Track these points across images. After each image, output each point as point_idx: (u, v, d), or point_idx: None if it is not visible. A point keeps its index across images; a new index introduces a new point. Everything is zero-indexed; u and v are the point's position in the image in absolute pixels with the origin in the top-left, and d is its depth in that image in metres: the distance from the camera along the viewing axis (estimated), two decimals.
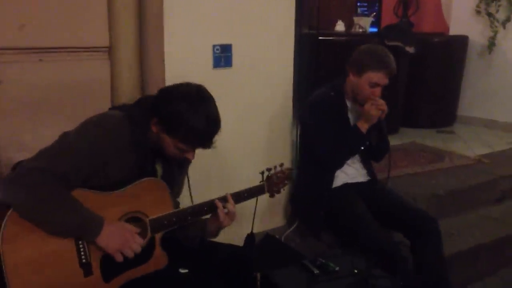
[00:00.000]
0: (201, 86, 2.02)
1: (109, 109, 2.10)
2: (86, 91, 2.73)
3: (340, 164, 2.98)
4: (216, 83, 2.86)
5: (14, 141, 2.55)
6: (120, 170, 1.93)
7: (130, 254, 1.89)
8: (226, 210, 2.11)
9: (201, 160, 2.86)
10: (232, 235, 2.68)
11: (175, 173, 2.20)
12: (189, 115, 1.91)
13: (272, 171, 2.29)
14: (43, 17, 2.58)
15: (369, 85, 2.80)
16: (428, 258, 2.77)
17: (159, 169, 2.13)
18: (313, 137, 2.99)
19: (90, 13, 2.71)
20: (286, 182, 2.35)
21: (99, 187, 1.89)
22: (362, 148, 2.96)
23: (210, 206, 2.11)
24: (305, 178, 3.15)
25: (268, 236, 3.07)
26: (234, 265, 2.21)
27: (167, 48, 2.67)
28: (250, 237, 2.53)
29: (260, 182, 2.28)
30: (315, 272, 2.40)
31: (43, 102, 2.63)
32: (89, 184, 1.88)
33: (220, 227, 2.17)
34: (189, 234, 2.18)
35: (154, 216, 1.99)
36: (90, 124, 1.94)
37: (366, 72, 2.80)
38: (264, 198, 3.13)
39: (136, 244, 1.90)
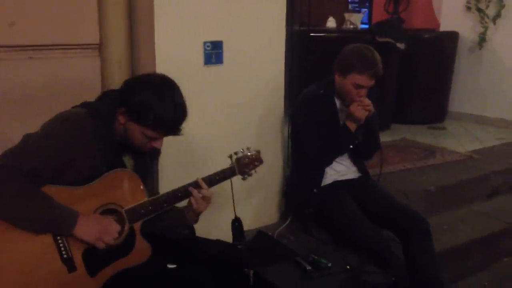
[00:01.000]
0: (164, 75, 2.07)
1: (72, 107, 2.10)
2: (76, 88, 2.71)
3: (328, 162, 2.98)
4: (207, 80, 2.87)
5: (2, 138, 2.52)
6: (88, 164, 1.95)
7: (110, 240, 1.90)
8: (200, 195, 2.13)
9: (188, 156, 2.88)
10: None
11: (148, 165, 2.22)
12: (157, 102, 1.95)
13: (240, 154, 2.31)
14: (32, 15, 2.57)
15: (354, 86, 2.80)
16: (419, 258, 2.78)
17: (129, 162, 2.15)
18: (302, 134, 3.00)
19: (80, 10, 2.69)
20: (256, 163, 2.35)
21: (71, 183, 1.91)
22: (351, 146, 2.96)
23: (184, 192, 2.12)
24: (296, 175, 3.16)
25: (260, 233, 3.08)
26: (226, 261, 2.22)
27: (157, 45, 2.66)
28: (236, 221, 2.54)
29: (230, 164, 2.29)
30: (307, 268, 2.41)
31: (32, 100, 2.62)
32: (61, 179, 1.89)
33: (197, 213, 2.18)
34: (169, 224, 2.20)
35: (130, 206, 2.00)
36: (53, 122, 1.96)
37: (351, 74, 2.79)
38: (255, 194, 3.16)
39: (114, 230, 1.92)
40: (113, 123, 2.03)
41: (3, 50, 2.53)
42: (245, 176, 2.33)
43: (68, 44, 2.69)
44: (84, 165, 1.94)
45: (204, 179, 2.17)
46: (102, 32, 2.77)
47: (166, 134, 2.06)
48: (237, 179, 2.32)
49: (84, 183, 1.93)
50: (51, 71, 2.66)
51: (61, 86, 2.68)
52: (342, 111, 2.99)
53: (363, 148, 3.02)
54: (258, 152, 2.37)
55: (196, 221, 2.25)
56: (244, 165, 2.30)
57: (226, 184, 2.32)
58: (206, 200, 2.15)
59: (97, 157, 1.97)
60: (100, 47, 2.80)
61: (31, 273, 1.80)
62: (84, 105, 2.07)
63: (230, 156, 2.30)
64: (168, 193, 2.09)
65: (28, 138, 1.90)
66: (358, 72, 2.77)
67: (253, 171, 2.35)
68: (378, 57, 2.80)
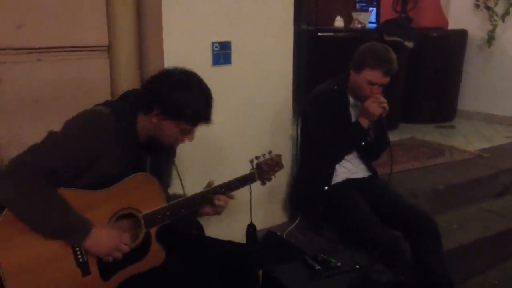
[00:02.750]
0: (184, 68, 2.12)
1: (94, 105, 2.11)
2: (86, 90, 2.72)
3: (339, 159, 2.99)
4: (215, 80, 2.85)
5: (13, 140, 2.55)
6: (110, 164, 1.95)
7: (119, 256, 1.90)
8: (219, 201, 2.17)
9: (200, 157, 2.88)
10: (231, 228, 2.69)
11: (163, 165, 2.23)
12: (192, 98, 2.01)
13: (261, 159, 2.30)
14: (41, 17, 2.58)
15: (367, 82, 2.81)
16: (428, 258, 2.76)
17: (148, 161, 2.16)
18: (314, 129, 3.00)
19: (88, 12, 2.70)
20: (276, 169, 2.35)
21: (91, 185, 1.90)
22: (363, 143, 2.96)
23: (201, 198, 2.13)
24: (305, 173, 3.16)
25: (270, 233, 3.08)
26: (235, 261, 2.22)
27: (166, 46, 2.67)
28: (250, 226, 2.57)
29: (250, 170, 2.28)
30: (316, 267, 2.40)
31: (42, 102, 2.63)
32: (81, 180, 1.89)
33: (212, 215, 2.24)
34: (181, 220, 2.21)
35: (147, 211, 2.00)
36: (76, 120, 1.96)
37: (364, 70, 2.81)
38: (264, 194, 3.17)
39: (125, 247, 1.92)
40: (136, 123, 2.05)
41: (12, 53, 2.55)
42: (265, 181, 2.34)
43: (77, 46, 2.70)
44: (108, 165, 1.94)
45: (222, 185, 2.18)
46: (111, 34, 2.78)
47: (201, 124, 2.10)
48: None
49: (108, 184, 1.93)
50: (60, 73, 2.67)
51: (70, 87, 2.70)
52: (355, 107, 2.99)
53: (373, 147, 3.02)
54: (279, 156, 2.37)
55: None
56: (265, 171, 2.31)
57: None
58: (223, 205, 2.19)
59: (120, 158, 1.97)
60: (108, 49, 2.81)
61: (45, 275, 1.80)
62: (108, 104, 2.08)
63: (251, 161, 2.29)
64: (186, 199, 2.10)
65: (51, 136, 1.90)
66: (371, 68, 2.78)
67: (273, 177, 2.35)
68: (393, 55, 2.81)
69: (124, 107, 2.06)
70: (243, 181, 2.24)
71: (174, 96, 1.99)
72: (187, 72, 2.10)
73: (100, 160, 1.92)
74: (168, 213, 2.03)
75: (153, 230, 2.03)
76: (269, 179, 2.35)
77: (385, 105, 2.82)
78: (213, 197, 2.15)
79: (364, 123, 2.87)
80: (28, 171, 1.77)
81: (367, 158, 3.11)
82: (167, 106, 1.99)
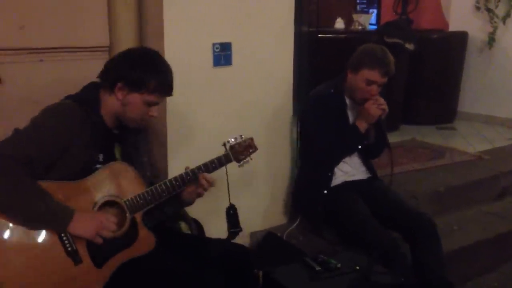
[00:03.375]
0: (143, 46, 2.31)
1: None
2: None
3: (336, 161, 2.99)
4: (216, 81, 2.88)
5: None
6: (81, 151, 2.00)
7: (108, 234, 1.95)
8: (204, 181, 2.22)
9: (198, 157, 2.88)
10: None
11: (132, 154, 2.26)
12: (156, 69, 2.10)
13: (234, 141, 2.35)
14: (43, 18, 2.58)
15: (365, 82, 2.82)
16: (427, 260, 2.76)
17: (117, 150, 2.20)
18: (312, 132, 3.01)
19: (90, 13, 2.71)
20: (251, 150, 2.38)
21: (66, 176, 1.95)
22: (360, 147, 2.97)
23: (182, 180, 2.17)
24: (305, 176, 3.16)
25: (270, 234, 3.08)
26: (235, 262, 2.23)
27: (167, 47, 2.67)
28: (230, 208, 2.58)
29: (224, 151, 2.31)
30: (316, 269, 2.41)
31: (43, 102, 2.61)
32: (55, 172, 1.93)
33: (197, 196, 2.27)
34: (167, 212, 2.28)
35: (129, 197, 2.04)
36: (42, 115, 2.02)
37: (361, 69, 2.82)
38: (264, 195, 3.17)
39: (111, 224, 1.97)
40: (99, 107, 2.10)
41: (14, 53, 2.55)
42: (241, 163, 2.36)
43: (79, 46, 2.71)
44: (79, 152, 1.99)
45: (199, 167, 2.22)
46: (112, 35, 2.79)
47: (166, 95, 2.19)
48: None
49: (82, 172, 1.98)
50: (61, 74, 2.67)
51: (71, 88, 2.67)
52: (352, 110, 2.99)
53: (371, 148, 3.02)
54: (251, 139, 2.40)
55: (191, 203, 2.32)
56: (239, 152, 2.33)
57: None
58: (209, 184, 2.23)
59: (90, 144, 2.03)
60: (110, 50, 2.81)
61: (38, 269, 1.83)
62: (68, 97, 2.14)
63: (224, 144, 2.34)
64: (165, 182, 2.14)
65: (20, 131, 1.95)
66: (368, 68, 2.79)
67: (248, 158, 2.38)
68: (390, 56, 2.82)
69: (85, 94, 2.13)
70: (218, 161, 2.27)
71: (137, 68, 2.06)
72: (147, 48, 2.23)
73: (73, 146, 1.97)
74: (149, 197, 2.08)
75: (138, 216, 2.07)
76: (246, 161, 2.37)
77: (385, 106, 2.83)
78: (198, 175, 2.19)
79: (362, 126, 2.88)
80: (4, 163, 1.81)
81: (366, 159, 3.11)
82: (131, 78, 2.06)
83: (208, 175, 2.22)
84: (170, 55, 2.68)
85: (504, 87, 5.80)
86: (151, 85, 2.06)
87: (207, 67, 2.83)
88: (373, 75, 2.79)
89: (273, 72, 3.11)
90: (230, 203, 2.58)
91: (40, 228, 1.85)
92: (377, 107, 2.82)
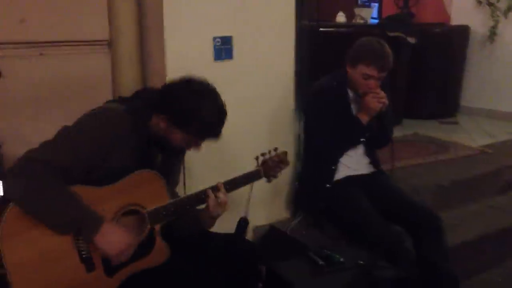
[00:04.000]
0: (204, 80, 2.07)
1: (106, 102, 2.10)
2: (87, 84, 2.73)
3: (339, 154, 2.98)
4: (217, 75, 2.84)
5: (16, 135, 2.55)
6: (121, 160, 1.94)
7: (125, 259, 1.91)
8: (218, 200, 2.11)
9: (201, 154, 2.86)
10: (230, 223, 2.67)
11: (173, 163, 2.23)
12: (202, 111, 1.98)
13: (267, 156, 2.30)
14: (43, 11, 2.59)
15: (363, 77, 2.81)
16: (431, 254, 2.75)
17: (157, 158, 2.15)
18: (314, 124, 3.01)
19: (90, 7, 2.71)
20: (281, 166, 2.35)
21: (100, 179, 1.89)
22: (362, 139, 2.96)
23: (206, 194, 2.11)
24: (308, 170, 3.15)
25: (273, 229, 3.07)
26: (238, 256, 2.21)
27: (167, 40, 2.66)
28: (243, 220, 2.50)
29: (256, 167, 2.28)
30: (320, 263, 2.41)
31: (44, 96, 2.64)
32: (92, 175, 1.88)
33: (212, 217, 2.16)
34: (184, 225, 2.18)
35: (152, 208, 1.99)
36: (90, 117, 1.96)
37: (359, 64, 2.81)
38: (267, 190, 3.15)
39: (133, 249, 1.92)
40: (149, 121, 2.03)
41: (15, 47, 2.55)
42: (270, 178, 2.32)
43: (79, 40, 2.71)
44: (116, 162, 1.93)
45: (228, 182, 2.16)
46: (112, 28, 2.78)
47: (209, 139, 2.08)
48: (239, 172, 2.29)
49: (112, 180, 1.92)
50: (62, 67, 2.68)
51: (72, 82, 2.70)
52: (355, 102, 2.98)
53: (374, 140, 3.02)
54: (285, 153, 2.36)
55: (211, 225, 2.22)
56: (270, 168, 2.30)
57: None
58: (222, 205, 2.12)
59: (129, 155, 1.97)
60: (110, 43, 2.81)
61: (49, 271, 1.79)
62: (122, 101, 2.07)
63: (257, 158, 2.29)
64: (190, 196, 2.09)
65: (65, 132, 1.89)
66: (365, 63, 2.78)
67: (278, 174, 2.34)
68: (387, 50, 2.80)
69: (138, 104, 2.04)
70: (248, 178, 2.23)
71: (185, 105, 1.97)
72: (205, 84, 2.07)
73: (112, 156, 1.91)
74: (172, 209, 2.02)
75: (157, 227, 2.02)
76: (275, 176, 2.34)
77: (384, 99, 2.82)
78: (217, 193, 2.11)
79: (363, 119, 2.87)
80: (38, 167, 1.76)
81: (371, 152, 3.09)
82: (177, 114, 1.98)
83: (222, 195, 2.11)
84: (171, 49, 2.67)
85: (506, 81, 5.78)
86: (195, 127, 1.99)
87: (208, 61, 2.81)
88: (370, 70, 2.78)
89: (274, 66, 3.09)
90: (245, 215, 2.50)
91: (66, 232, 1.81)
92: (377, 100, 2.81)
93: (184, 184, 2.40)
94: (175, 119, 1.98)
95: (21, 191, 1.74)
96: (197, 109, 1.97)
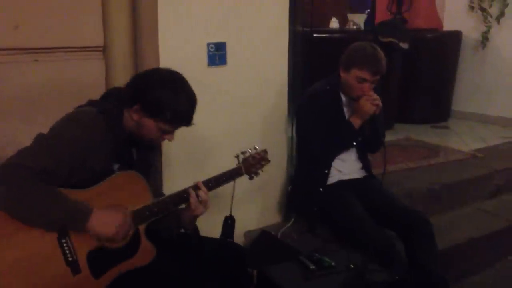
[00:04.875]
0: (170, 69, 2.11)
1: (78, 106, 2.11)
2: (81, 90, 2.72)
3: (331, 157, 3.00)
4: (211, 81, 2.89)
5: (10, 141, 2.55)
6: (101, 163, 1.97)
7: (126, 234, 1.94)
8: (199, 198, 2.12)
9: (194, 157, 2.89)
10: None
11: (149, 158, 2.25)
12: (173, 98, 2.00)
13: (247, 153, 2.32)
14: (37, 18, 2.59)
15: (356, 80, 2.83)
16: (422, 258, 2.77)
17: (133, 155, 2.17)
18: (307, 128, 3.03)
19: (84, 13, 2.71)
20: (263, 163, 2.36)
21: (81, 182, 1.91)
22: (354, 143, 2.99)
23: (188, 193, 2.13)
24: (301, 174, 3.18)
25: (264, 233, 3.08)
26: (229, 260, 2.22)
27: (161, 46, 2.68)
28: (229, 218, 2.54)
29: (236, 164, 2.30)
30: (311, 267, 2.41)
31: (38, 102, 2.64)
32: (72, 179, 1.90)
33: (194, 216, 2.17)
34: (163, 225, 2.19)
35: (136, 208, 2.00)
36: (64, 122, 1.98)
37: (352, 69, 2.84)
38: (259, 194, 3.17)
39: (130, 223, 1.95)
40: (122, 119, 2.05)
41: (9, 53, 2.56)
42: (252, 175, 2.34)
43: (73, 46, 2.72)
44: (96, 163, 1.95)
45: (210, 180, 2.18)
46: (107, 35, 2.79)
47: (181, 126, 2.11)
48: (242, 179, 2.33)
49: (94, 181, 1.94)
50: (56, 74, 2.68)
51: (66, 88, 2.70)
52: (348, 106, 3.01)
53: (367, 144, 3.05)
54: (265, 151, 2.38)
55: (192, 224, 2.24)
56: (251, 165, 2.31)
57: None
58: (203, 203, 2.14)
59: (108, 155, 1.99)
60: (104, 50, 2.82)
61: (35, 276, 1.80)
62: (92, 103, 2.08)
63: (237, 156, 2.31)
64: (173, 195, 2.10)
65: (40, 139, 1.91)
66: (358, 67, 2.81)
67: (260, 171, 2.36)
68: (380, 54, 2.83)
69: (109, 104, 2.06)
70: (229, 175, 2.24)
71: (155, 94, 2.00)
72: (173, 72, 2.10)
73: (91, 158, 1.94)
74: (155, 209, 2.04)
75: (141, 227, 2.03)
76: (256, 173, 2.36)
77: (378, 102, 2.84)
78: (198, 192, 2.13)
79: (356, 122, 2.90)
80: (19, 172, 1.78)
81: (363, 156, 3.12)
82: (148, 103, 2.00)
83: (203, 194, 2.13)
84: (165, 55, 2.69)
85: (498, 86, 5.83)
86: (167, 114, 2.00)
87: (201, 67, 2.83)
88: (363, 73, 2.81)
89: (268, 72, 3.11)
90: (230, 213, 2.54)
91: (59, 227, 1.82)
92: (371, 103, 2.84)
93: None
94: (146, 108, 2.00)
95: (5, 196, 1.76)
96: (168, 97, 1.99)
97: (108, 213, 1.90)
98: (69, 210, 1.82)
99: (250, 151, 2.33)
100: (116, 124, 2.03)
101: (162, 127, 2.04)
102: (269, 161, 2.39)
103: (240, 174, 2.29)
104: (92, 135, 1.95)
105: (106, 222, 1.87)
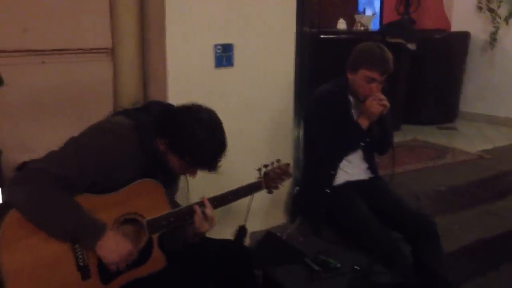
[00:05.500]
0: (211, 111, 2.05)
1: (114, 113, 2.09)
2: (89, 92, 2.75)
3: (339, 158, 3.00)
4: (218, 82, 2.90)
5: (18, 142, 2.57)
6: (125, 176, 1.94)
7: (123, 266, 1.91)
8: (206, 215, 2.09)
9: None
10: (229, 230, 2.70)
11: (176, 178, 2.24)
12: (202, 146, 1.96)
13: (270, 167, 2.30)
14: (45, 20, 2.61)
15: (365, 81, 2.84)
16: (428, 261, 2.77)
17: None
18: (315, 129, 3.03)
19: (92, 15, 2.73)
20: (283, 177, 2.35)
21: (100, 191, 1.90)
22: (362, 144, 2.99)
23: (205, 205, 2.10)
24: (308, 176, 3.18)
25: (269, 234, 3.09)
26: (234, 262, 2.22)
27: (169, 48, 2.69)
28: (241, 229, 2.51)
29: (257, 178, 2.28)
30: (316, 269, 2.42)
31: (46, 104, 2.65)
32: (96, 187, 1.88)
33: (197, 233, 2.12)
34: (171, 238, 2.14)
35: (151, 217, 1.99)
36: (98, 130, 1.96)
37: (360, 69, 2.84)
38: (264, 195, 3.16)
39: (132, 258, 1.92)
40: (154, 138, 2.01)
41: (17, 55, 2.57)
42: (271, 190, 2.32)
43: (81, 48, 2.73)
44: (123, 175, 1.93)
45: (229, 193, 2.17)
46: (114, 37, 2.81)
47: (204, 170, 2.06)
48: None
49: (113, 190, 1.92)
50: (64, 76, 2.70)
51: (73, 90, 2.72)
52: (356, 108, 3.01)
53: (375, 145, 3.05)
54: (288, 165, 2.36)
55: (195, 240, 2.18)
56: (272, 179, 2.30)
57: None
58: (209, 221, 2.10)
59: (134, 170, 1.96)
60: (112, 51, 2.83)
61: (45, 278, 1.80)
62: (129, 115, 2.04)
63: (259, 169, 2.29)
64: (189, 206, 2.08)
65: (72, 143, 1.89)
66: (366, 68, 2.82)
67: (280, 185, 2.34)
68: (388, 54, 2.83)
69: (145, 121, 2.02)
70: (249, 188, 2.22)
71: (185, 134, 1.95)
72: (211, 115, 2.04)
73: (117, 171, 1.92)
74: (172, 219, 2.02)
75: (155, 236, 2.02)
76: (276, 188, 2.34)
77: (385, 102, 2.84)
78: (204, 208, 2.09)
79: (364, 123, 2.90)
80: (42, 177, 1.77)
81: (370, 158, 3.12)
82: (176, 143, 1.97)
83: (207, 210, 2.08)
84: (172, 57, 2.70)
85: (506, 87, 5.81)
86: (192, 159, 1.98)
87: (209, 68, 2.84)
88: (372, 73, 2.81)
89: (275, 73, 3.12)
90: (244, 224, 2.51)
91: (68, 240, 1.81)
92: (378, 103, 2.84)
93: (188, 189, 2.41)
94: (173, 146, 1.98)
95: (24, 198, 1.75)
96: (195, 140, 1.95)
97: (118, 241, 1.87)
98: (84, 224, 1.81)
99: (272, 163, 2.30)
100: (148, 141, 1.99)
101: (185, 166, 2.02)
102: (291, 176, 2.36)
103: (260, 189, 2.27)
104: (123, 147, 1.92)
105: (112, 249, 1.85)
